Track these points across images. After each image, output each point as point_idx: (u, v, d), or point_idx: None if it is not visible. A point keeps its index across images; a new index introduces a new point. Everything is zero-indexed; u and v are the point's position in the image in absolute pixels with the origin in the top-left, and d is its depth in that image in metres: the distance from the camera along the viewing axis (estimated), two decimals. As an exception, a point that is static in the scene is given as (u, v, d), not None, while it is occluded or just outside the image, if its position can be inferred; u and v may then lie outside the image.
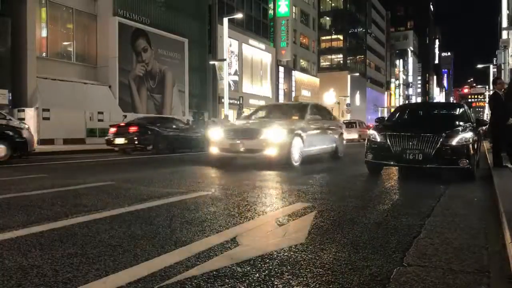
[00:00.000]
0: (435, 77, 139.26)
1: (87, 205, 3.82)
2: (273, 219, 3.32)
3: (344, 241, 2.72)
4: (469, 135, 6.20)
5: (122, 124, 14.16)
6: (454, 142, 6.06)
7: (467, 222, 3.43)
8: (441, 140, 6.07)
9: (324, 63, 65.66)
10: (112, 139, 12.86)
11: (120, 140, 12.60)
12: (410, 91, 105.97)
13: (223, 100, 30.11)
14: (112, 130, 13.19)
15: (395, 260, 2.36)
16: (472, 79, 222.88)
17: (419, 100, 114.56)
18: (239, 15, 32.90)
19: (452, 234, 3.00)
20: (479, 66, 45.97)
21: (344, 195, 4.67)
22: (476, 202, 4.43)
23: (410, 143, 6.23)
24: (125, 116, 21.32)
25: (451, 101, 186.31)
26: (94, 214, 3.41)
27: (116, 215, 3.41)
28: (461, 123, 6.93)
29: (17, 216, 3.30)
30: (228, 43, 32.09)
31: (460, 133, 6.22)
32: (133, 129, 12.69)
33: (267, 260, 2.29)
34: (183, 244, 2.58)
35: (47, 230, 2.86)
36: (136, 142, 12.41)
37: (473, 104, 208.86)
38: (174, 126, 14.45)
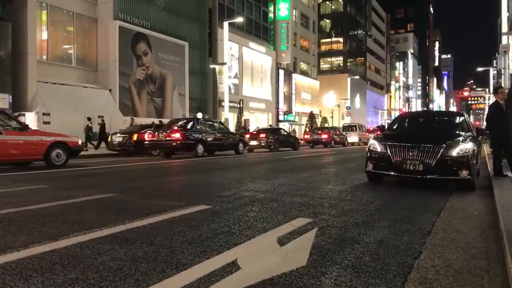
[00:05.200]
0: (435, 79, 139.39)
1: (88, 221, 3.82)
2: (274, 238, 3.31)
3: (346, 263, 2.72)
4: (469, 145, 6.21)
5: (254, 132, 22.66)
6: (454, 153, 6.08)
7: (467, 239, 3.44)
8: (441, 150, 6.08)
9: (324, 66, 65.75)
10: (248, 141, 19.70)
11: (253, 142, 20.30)
12: (410, 93, 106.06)
13: (223, 103, 30.15)
14: (247, 136, 20.60)
15: (396, 285, 2.36)
16: (472, 81, 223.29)
17: (419, 102, 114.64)
18: (240, 19, 32.96)
19: (453, 254, 3.00)
20: (479, 69, 45.96)
21: (345, 208, 4.67)
22: (476, 216, 4.43)
23: (411, 154, 6.25)
24: (133, 120, 21.49)
25: (452, 102, 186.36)
26: (95, 232, 3.41)
27: (117, 232, 3.41)
28: (462, 132, 6.95)
29: (19, 235, 3.30)
30: (229, 46, 32.13)
31: (460, 143, 6.24)
32: (262, 135, 20.53)
33: (268, 286, 2.29)
34: (184, 267, 2.58)
35: (48, 251, 2.86)
36: (264, 144, 20.29)
37: (473, 106, 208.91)
38: (281, 132, 22.74)
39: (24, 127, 9.70)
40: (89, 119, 19.63)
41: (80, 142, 11.30)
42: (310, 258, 2.82)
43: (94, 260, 2.68)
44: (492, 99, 8.32)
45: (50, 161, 9.99)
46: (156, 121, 20.44)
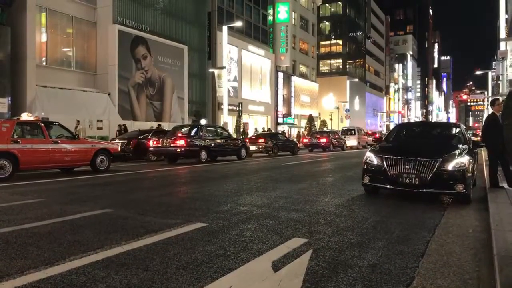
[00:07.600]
0: (434, 81, 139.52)
1: (84, 242, 3.84)
2: (269, 262, 3.34)
3: (338, 292, 2.75)
4: (465, 159, 6.25)
5: (253, 137, 22.75)
6: (450, 167, 6.12)
7: (460, 262, 3.47)
8: (437, 164, 6.12)
9: (323, 68, 65.82)
10: (248, 146, 19.47)
11: (253, 147, 20.17)
12: (409, 95, 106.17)
13: (222, 106, 30.20)
14: (247, 141, 20.51)
15: (387, 318, 2.39)
16: (471, 82, 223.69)
17: (418, 104, 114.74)
18: (239, 23, 32.99)
19: (445, 280, 3.03)
20: (478, 72, 46.09)
21: (340, 226, 4.70)
22: (471, 235, 4.46)
23: (407, 167, 6.29)
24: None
25: (451, 104, 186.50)
26: (91, 255, 3.44)
27: (113, 256, 3.43)
28: (458, 145, 6.99)
29: (15, 259, 3.33)
30: (228, 50, 32.17)
31: (456, 157, 6.28)
32: (261, 140, 20.84)
33: (261, 320, 2.32)
34: (178, 297, 2.61)
35: (44, 279, 2.88)
36: (263, 149, 20.54)
37: (472, 108, 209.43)
38: (280, 137, 23.06)
39: (74, 136, 10.47)
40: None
41: (119, 149, 11.96)
42: (304, 286, 2.84)
43: (89, 289, 2.71)
44: (490, 108, 8.37)
45: (95, 166, 10.76)
46: (157, 124, 20.42)
